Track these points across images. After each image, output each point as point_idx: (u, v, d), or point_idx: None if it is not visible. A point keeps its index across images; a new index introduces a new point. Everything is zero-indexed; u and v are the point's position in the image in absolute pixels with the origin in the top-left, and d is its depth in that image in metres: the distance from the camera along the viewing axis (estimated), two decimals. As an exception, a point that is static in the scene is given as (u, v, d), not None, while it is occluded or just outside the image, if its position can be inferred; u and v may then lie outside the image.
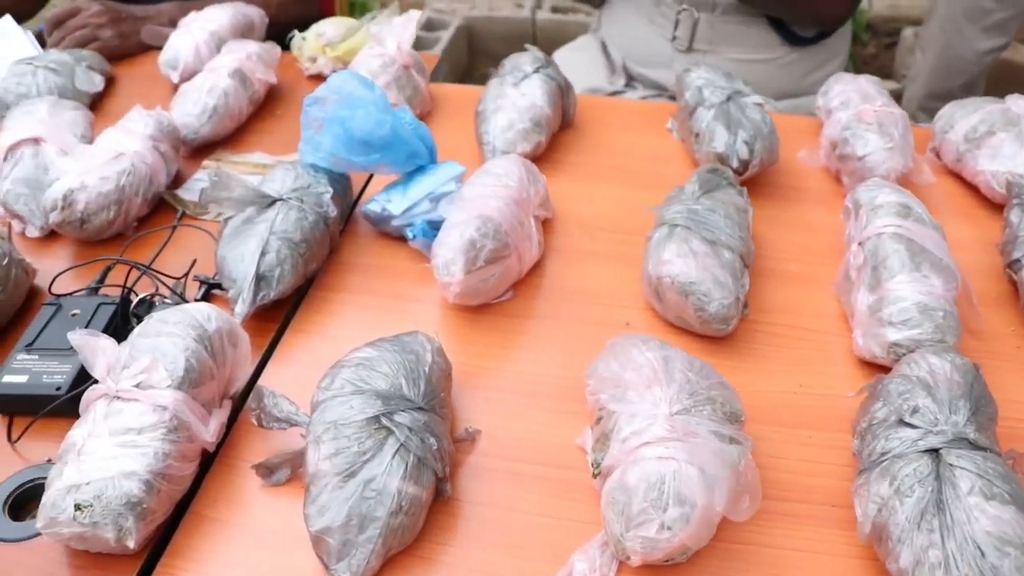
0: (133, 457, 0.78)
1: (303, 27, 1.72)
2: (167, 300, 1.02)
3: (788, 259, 1.15)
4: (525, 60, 1.33)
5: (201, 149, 1.33)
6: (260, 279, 0.99)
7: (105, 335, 0.84)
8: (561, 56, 1.95)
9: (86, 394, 0.84)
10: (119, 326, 1.00)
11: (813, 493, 0.86)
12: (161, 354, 0.83)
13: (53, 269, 1.11)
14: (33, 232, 1.17)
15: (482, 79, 2.90)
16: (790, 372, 0.99)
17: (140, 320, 0.99)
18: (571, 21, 3.06)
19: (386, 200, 1.11)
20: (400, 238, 1.14)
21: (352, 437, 0.79)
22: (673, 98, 1.71)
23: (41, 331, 0.98)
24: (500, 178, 1.08)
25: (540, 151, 1.26)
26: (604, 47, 1.89)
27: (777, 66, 1.72)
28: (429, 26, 3.10)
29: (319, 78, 1.50)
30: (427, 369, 0.87)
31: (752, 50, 1.69)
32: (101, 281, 1.06)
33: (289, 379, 0.95)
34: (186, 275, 1.06)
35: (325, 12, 1.97)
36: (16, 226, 1.19)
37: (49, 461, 0.89)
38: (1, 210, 1.20)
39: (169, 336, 0.85)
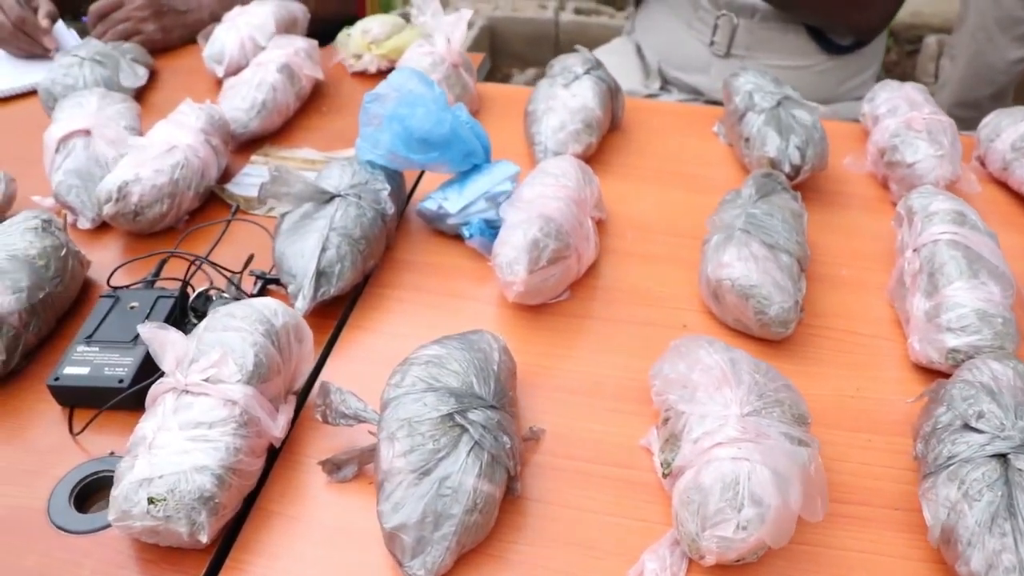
0: (204, 451, 0.78)
1: (340, 24, 1.73)
2: (224, 294, 1.02)
3: (838, 264, 1.15)
4: (575, 61, 1.33)
5: (248, 144, 1.33)
6: (320, 275, 0.99)
7: (174, 328, 0.84)
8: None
9: (153, 388, 0.83)
10: (177, 320, 0.99)
11: (876, 496, 0.86)
12: (230, 349, 0.83)
13: (103, 260, 1.11)
14: (84, 223, 1.17)
15: (504, 79, 2.90)
16: (846, 376, 0.99)
17: (198, 314, 1.00)
18: (594, 23, 3.06)
19: (442, 198, 1.11)
20: (455, 236, 1.14)
21: (427, 434, 0.78)
22: (710, 102, 1.72)
23: (100, 323, 0.98)
24: (558, 178, 1.08)
25: (591, 152, 1.26)
26: (639, 50, 1.89)
27: (813, 73, 1.72)
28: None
29: (364, 75, 1.50)
30: (496, 367, 0.87)
31: (789, 56, 1.69)
32: (157, 274, 1.06)
33: (349, 375, 0.95)
34: (244, 269, 1.05)
35: (358, 10, 1.98)
36: (67, 217, 1.19)
37: (112, 454, 0.89)
38: (52, 200, 1.20)
39: (237, 331, 0.85)
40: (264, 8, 1.51)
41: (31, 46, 1.57)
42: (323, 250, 1.00)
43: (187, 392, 0.81)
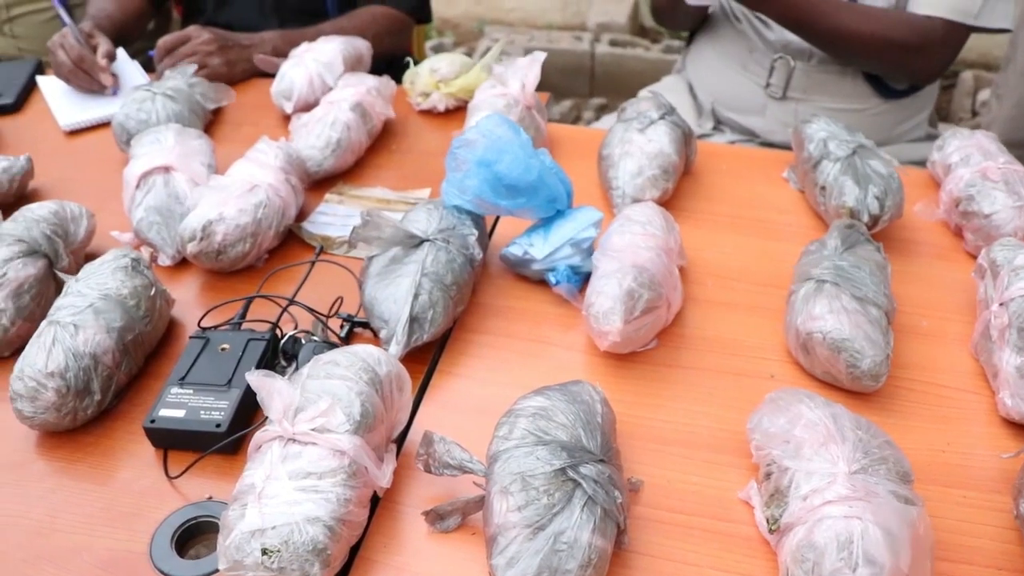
0: (316, 502, 0.77)
1: (393, 61, 1.74)
2: (315, 337, 1.01)
3: (917, 315, 1.14)
4: (649, 106, 1.33)
5: (321, 182, 1.33)
6: (413, 321, 0.99)
7: (280, 376, 0.83)
8: (646, 96, 1.95)
9: (257, 435, 0.83)
10: (268, 362, 0.99)
11: (977, 555, 0.85)
12: (336, 398, 0.82)
13: (184, 298, 1.11)
14: (165, 261, 1.17)
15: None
16: (935, 430, 0.98)
17: (287, 356, 0.99)
18: (629, 55, 3.07)
19: (528, 244, 1.11)
20: (538, 281, 1.13)
21: (540, 489, 0.78)
22: (765, 144, 1.72)
23: (192, 365, 0.97)
24: (645, 226, 1.08)
25: (667, 198, 1.26)
26: (691, 89, 1.89)
27: (868, 116, 1.72)
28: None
29: (431, 113, 1.50)
30: (599, 419, 0.86)
31: (845, 100, 1.69)
32: (243, 315, 1.05)
33: (443, 422, 0.95)
34: (333, 313, 1.05)
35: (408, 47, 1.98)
36: (145, 252, 1.19)
37: (210, 498, 0.88)
38: (130, 236, 1.19)
39: (342, 379, 0.85)
40: (331, 45, 1.52)
41: (90, 83, 1.58)
42: (416, 296, 0.99)
43: (294, 441, 0.80)
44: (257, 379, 0.82)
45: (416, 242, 1.04)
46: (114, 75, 1.60)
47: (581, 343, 1.06)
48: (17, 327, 1.05)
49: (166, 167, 1.21)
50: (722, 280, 1.17)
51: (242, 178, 1.15)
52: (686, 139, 1.31)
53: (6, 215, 1.15)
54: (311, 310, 1.02)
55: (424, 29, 2.21)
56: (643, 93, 1.96)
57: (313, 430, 0.80)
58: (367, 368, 0.86)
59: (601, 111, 3.08)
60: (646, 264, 1.02)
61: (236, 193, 1.13)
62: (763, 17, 1.66)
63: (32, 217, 1.12)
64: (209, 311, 1.02)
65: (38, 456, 0.94)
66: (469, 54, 3.12)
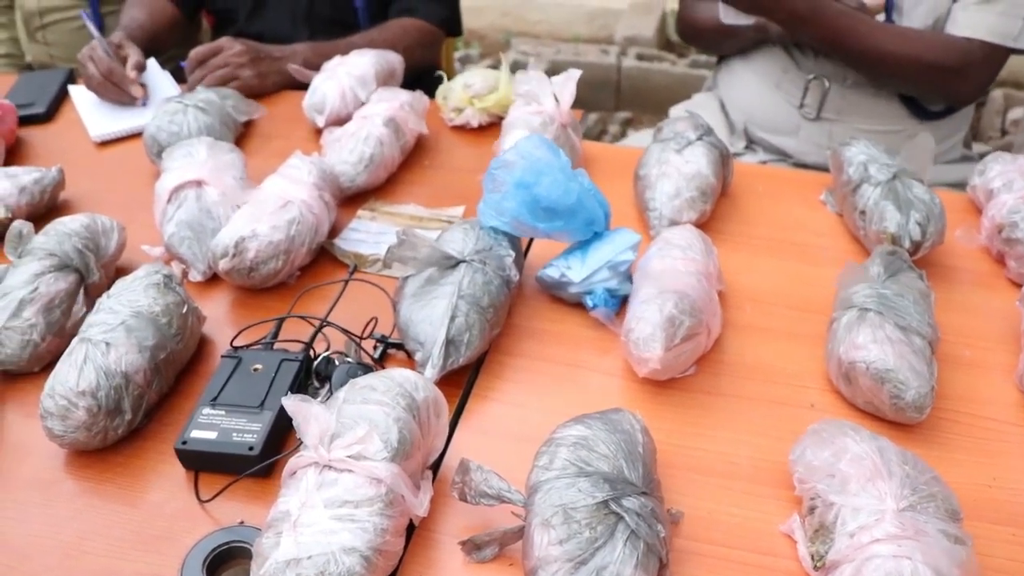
0: (352, 532, 0.75)
1: (424, 74, 1.73)
2: (348, 359, 1.00)
3: (959, 344, 1.11)
4: (686, 126, 1.31)
5: (353, 197, 1.31)
6: (449, 343, 0.97)
7: (315, 401, 0.82)
8: (676, 114, 1.93)
9: (292, 460, 0.81)
10: (301, 383, 0.97)
11: (1028, 597, 0.83)
12: (373, 424, 0.81)
13: (214, 314, 1.10)
14: (196, 276, 1.16)
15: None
16: (980, 464, 0.96)
17: (321, 378, 0.97)
18: (656, 69, 3.05)
19: (565, 267, 1.09)
20: (574, 304, 1.11)
21: (583, 522, 0.76)
22: (798, 165, 1.70)
23: (224, 385, 0.95)
24: (685, 250, 1.06)
25: (704, 220, 1.24)
26: (723, 107, 1.87)
27: (903, 138, 1.69)
28: (515, 68, 3.08)
29: (463, 129, 1.48)
30: (641, 450, 0.84)
31: (880, 121, 1.67)
32: (276, 335, 1.04)
33: (479, 448, 0.93)
34: (368, 334, 1.03)
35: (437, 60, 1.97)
36: (176, 267, 1.17)
37: (242, 523, 0.86)
38: (161, 250, 1.18)
39: (379, 404, 0.83)
40: (364, 59, 1.51)
41: (119, 95, 1.57)
42: (452, 318, 0.98)
43: (330, 468, 0.79)
44: (293, 404, 0.81)
45: (452, 263, 1.02)
46: (143, 86, 1.59)
47: (618, 368, 1.04)
48: (47, 342, 1.03)
49: (198, 181, 1.19)
50: (760, 305, 1.15)
51: (275, 194, 1.14)
52: (723, 160, 1.29)
53: (37, 227, 1.15)
54: (345, 331, 1.00)
55: (453, 41, 2.20)
56: (675, 111, 1.95)
57: (350, 457, 0.79)
58: (404, 393, 0.85)
59: (627, 125, 3.06)
60: (687, 290, 1.00)
61: (269, 209, 1.12)
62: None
63: (63, 231, 1.10)
64: (242, 331, 1.01)
65: (67, 475, 0.93)
66: (495, 66, 3.10)
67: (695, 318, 0.99)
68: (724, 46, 1.86)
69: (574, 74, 1.31)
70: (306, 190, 1.15)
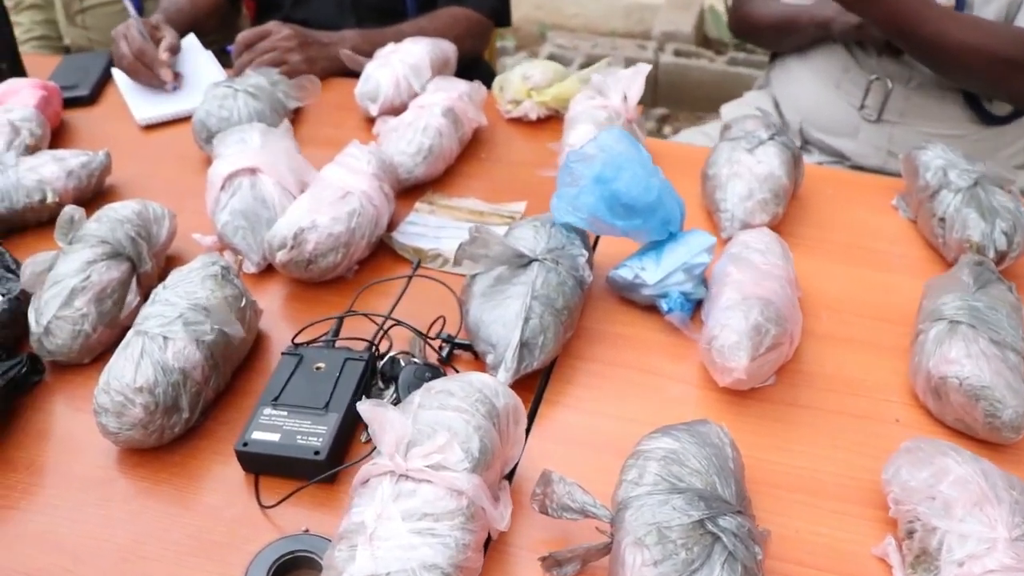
0: (432, 547, 0.71)
1: (471, 65, 1.68)
2: (415, 359, 0.95)
3: (1044, 360, 1.06)
4: (756, 124, 1.26)
5: (409, 190, 1.27)
6: (523, 346, 0.92)
7: (392, 407, 0.77)
8: (728, 111, 1.88)
9: (365, 468, 0.76)
10: (366, 384, 0.93)
11: None
12: (453, 432, 0.76)
13: (269, 307, 1.06)
14: (249, 268, 1.11)
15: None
16: (1078, 490, 0.90)
17: (386, 379, 0.93)
18: (694, 65, 2.99)
19: (639, 268, 1.04)
20: (645, 307, 1.06)
21: (678, 543, 0.71)
22: (856, 167, 1.65)
23: (285, 384, 0.91)
24: (765, 255, 1.01)
25: (776, 222, 1.18)
26: (777, 106, 1.82)
27: (968, 143, 1.63)
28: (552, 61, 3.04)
29: (520, 121, 1.43)
30: (732, 465, 0.80)
31: (943, 125, 1.61)
32: (337, 332, 0.99)
33: (553, 456, 0.89)
34: (437, 334, 0.99)
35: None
36: (228, 257, 1.13)
37: (307, 531, 0.82)
38: (212, 239, 1.14)
39: (457, 411, 0.78)
40: (418, 47, 1.46)
41: (150, 77, 1.52)
42: (526, 320, 0.93)
43: (407, 478, 0.74)
44: (368, 409, 0.76)
45: (524, 262, 0.98)
46: (178, 74, 1.55)
47: (693, 375, 1.00)
48: (99, 333, 0.99)
49: (252, 168, 1.15)
50: (837, 313, 1.10)
51: (334, 184, 1.09)
52: (795, 161, 1.24)
53: (85, 212, 1.10)
54: (416, 331, 0.96)
55: (496, 33, 2.15)
56: (727, 109, 1.89)
57: (429, 467, 0.74)
58: (484, 399, 0.80)
59: (663, 122, 3.01)
60: (771, 296, 0.95)
61: (329, 200, 1.07)
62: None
63: (116, 217, 1.06)
64: (303, 329, 0.96)
65: (120, 473, 0.89)
66: (532, 59, 3.05)
67: (780, 326, 0.94)
68: (782, 43, 1.81)
69: (643, 69, 1.26)
70: (366, 181, 1.10)
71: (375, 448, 0.77)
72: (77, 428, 0.93)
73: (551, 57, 3.06)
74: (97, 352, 1.00)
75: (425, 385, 0.82)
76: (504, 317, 0.94)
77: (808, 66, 1.72)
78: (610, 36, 3.31)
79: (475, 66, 1.69)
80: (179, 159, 1.38)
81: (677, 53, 3.09)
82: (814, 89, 1.70)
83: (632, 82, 1.26)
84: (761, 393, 0.98)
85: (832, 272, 1.16)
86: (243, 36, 1.53)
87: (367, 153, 1.15)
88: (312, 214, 1.05)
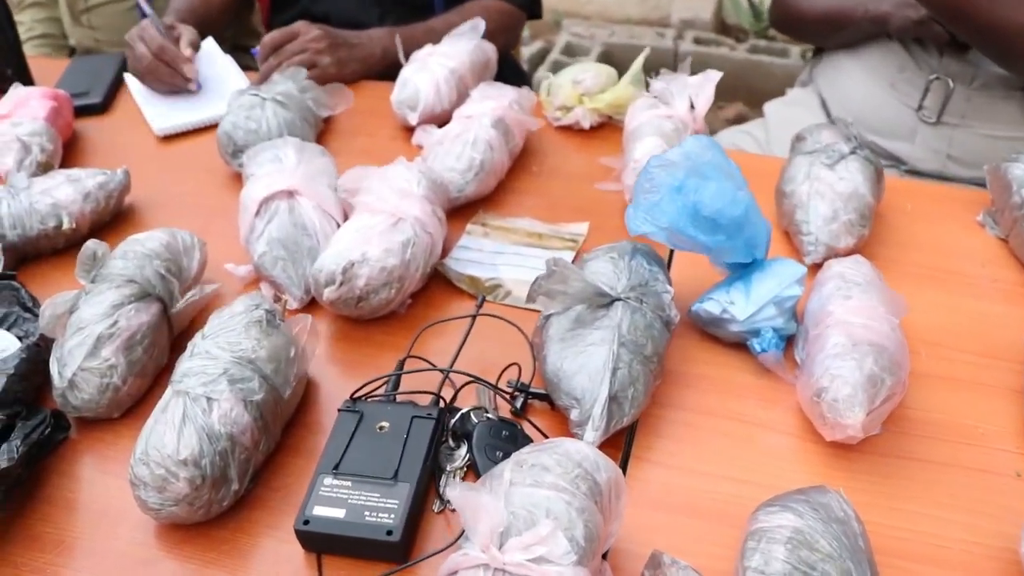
0: (537, 655, 0.61)
1: (499, 61, 1.56)
2: (488, 414, 0.85)
3: None
4: (834, 136, 1.15)
5: (459, 209, 1.16)
6: (611, 400, 0.82)
7: (485, 491, 0.67)
8: (772, 110, 1.78)
9: (454, 559, 0.67)
10: (435, 444, 0.83)
11: None
12: (553, 515, 0.66)
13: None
14: (291, 304, 1.00)
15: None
16: None
17: (456, 436, 0.83)
18: (715, 54, 2.88)
19: (728, 301, 0.94)
20: (730, 344, 0.97)
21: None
22: (911, 172, 1.55)
23: (346, 448, 0.80)
24: (867, 291, 0.91)
25: (861, 246, 1.08)
26: (823, 105, 1.71)
27: (1031, 146, 1.53)
28: (569, 51, 2.93)
29: (570, 130, 1.32)
30: (862, 544, 0.71)
31: (1006, 127, 1.51)
32: (396, 386, 0.89)
33: (652, 525, 0.79)
34: (515, 384, 0.89)
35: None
36: (265, 290, 1.02)
37: (380, 625, 0.72)
38: (247, 268, 1.03)
39: (555, 490, 0.68)
40: (458, 48, 1.34)
41: (171, 77, 1.41)
42: (614, 370, 0.83)
43: (504, 572, 0.64)
44: (461, 495, 0.66)
45: (606, 301, 0.87)
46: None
47: (787, 424, 0.90)
48: (129, 385, 0.89)
49: (290, 191, 1.04)
50: (936, 348, 1.00)
51: (383, 209, 0.99)
52: (877, 177, 1.14)
53: (101, 236, 1.01)
54: (491, 385, 0.86)
55: (521, 25, 2.02)
56: (770, 107, 1.79)
57: (530, 561, 0.64)
58: (584, 475, 0.70)
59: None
60: (884, 342, 0.85)
61: (379, 229, 0.97)
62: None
63: (143, 251, 0.95)
64: (366, 385, 0.86)
65: (163, 552, 0.79)
66: (548, 48, 2.94)
67: (895, 375, 0.84)
68: (831, 38, 1.70)
69: (713, 76, 1.15)
70: (418, 205, 1.00)
71: (462, 533, 0.67)
72: (109, 496, 0.83)
73: (567, 46, 2.95)
74: (127, 406, 0.90)
75: (515, 457, 0.72)
76: (588, 367, 0.84)
77: (860, 64, 1.61)
78: (626, 23, 3.19)
79: (503, 63, 1.57)
80: (203, 174, 1.27)
81: (697, 41, 2.98)
82: (867, 89, 1.60)
83: (700, 89, 1.15)
84: (866, 444, 0.88)
85: (923, 300, 1.06)
86: (270, 38, 1.41)
87: (416, 172, 1.04)
88: (362, 245, 0.95)
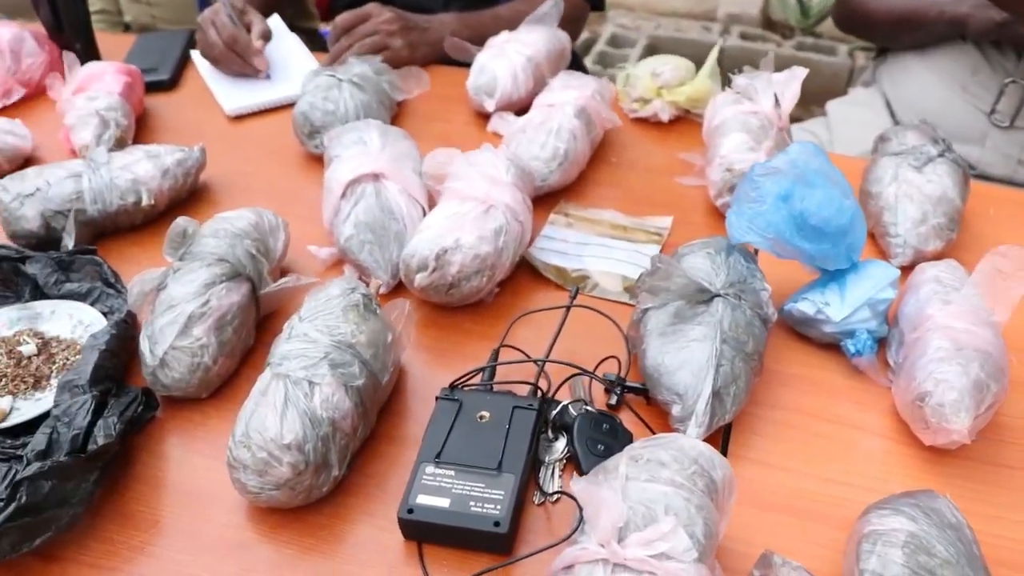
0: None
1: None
2: (587, 406, 0.84)
3: None
4: (920, 138, 1.13)
5: (540, 198, 1.14)
6: (714, 396, 0.81)
7: (607, 486, 0.66)
8: (835, 109, 1.76)
9: (569, 552, 0.66)
10: (537, 437, 0.82)
11: None
12: (673, 512, 0.65)
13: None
14: (376, 288, 0.99)
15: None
16: None
17: (555, 429, 0.82)
18: (760, 49, 2.86)
19: (823, 303, 0.92)
20: (823, 345, 0.95)
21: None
22: (981, 177, 1.53)
23: (447, 437, 0.79)
24: (966, 295, 0.89)
25: (948, 250, 1.07)
26: (888, 106, 1.69)
27: (1109, 153, 1.52)
28: (614, 42, 2.91)
29: (646, 123, 1.31)
30: (976, 551, 0.70)
31: (1085, 133, 1.49)
32: (492, 376, 0.88)
33: (756, 525, 0.78)
34: (617, 380, 0.88)
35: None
36: (348, 272, 1.02)
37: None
38: (329, 251, 1.02)
39: (672, 486, 0.67)
40: (534, 37, 1.33)
41: (242, 66, 1.40)
42: (717, 366, 0.81)
43: (625, 568, 0.63)
44: (585, 489, 0.65)
45: (705, 297, 0.86)
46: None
47: (882, 426, 0.89)
48: (219, 365, 0.88)
49: (375, 174, 1.03)
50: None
51: (473, 196, 0.97)
52: (964, 180, 1.12)
53: (178, 212, 1.00)
54: (602, 379, 0.86)
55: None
56: (833, 106, 1.77)
57: (651, 557, 0.63)
58: (701, 472, 0.69)
59: (726, 108, 2.87)
60: (988, 348, 0.84)
61: (472, 216, 0.95)
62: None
63: (232, 231, 0.94)
64: (468, 376, 0.85)
65: (259, 536, 0.78)
66: (593, 39, 2.92)
67: (999, 382, 0.83)
68: (900, 39, 1.67)
69: (799, 72, 1.14)
70: (508, 192, 0.98)
71: (580, 526, 0.67)
72: (198, 477, 0.83)
73: (613, 37, 2.92)
74: (215, 386, 0.90)
75: (627, 452, 0.71)
76: (691, 362, 0.83)
77: (929, 65, 1.59)
78: (672, 16, 3.16)
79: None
80: (275, 154, 1.26)
81: (743, 36, 2.95)
82: (936, 91, 1.58)
83: (787, 87, 1.14)
84: (963, 451, 0.86)
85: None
86: (342, 19, 1.40)
87: (502, 159, 1.03)
88: (455, 232, 0.94)
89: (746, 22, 3.06)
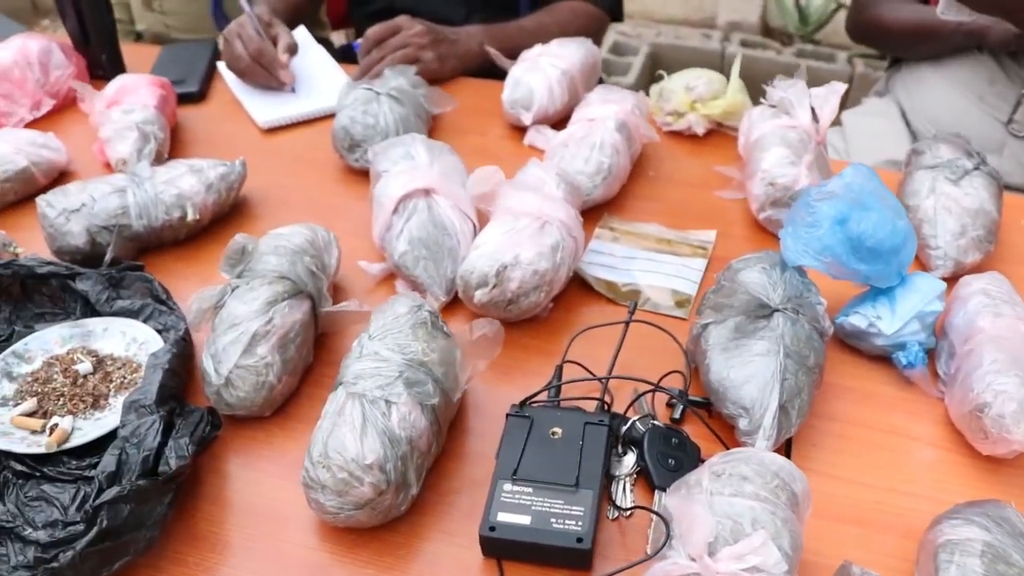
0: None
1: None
2: (654, 421, 0.85)
3: None
4: (954, 151, 1.15)
5: (583, 212, 1.15)
6: (780, 409, 0.82)
7: (698, 500, 0.67)
8: (851, 119, 1.77)
9: (660, 568, 0.67)
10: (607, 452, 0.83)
11: None
12: (760, 526, 0.66)
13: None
14: (432, 304, 0.99)
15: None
16: None
17: (624, 444, 0.83)
18: (762, 57, 2.88)
19: (874, 316, 0.94)
20: (873, 358, 0.97)
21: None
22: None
23: (521, 454, 0.80)
24: (1013, 307, 0.92)
25: (986, 262, 1.09)
26: (903, 115, 1.71)
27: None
28: (616, 50, 2.92)
29: (680, 136, 1.32)
30: (1047, 560, 0.71)
31: (1099, 142, 1.52)
32: (558, 391, 0.89)
33: (826, 536, 0.79)
34: (677, 393, 0.89)
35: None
36: (400, 287, 1.02)
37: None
38: (380, 267, 1.03)
39: (758, 500, 0.69)
40: (568, 50, 1.34)
41: (268, 80, 1.40)
42: (782, 380, 0.83)
43: (717, 582, 0.64)
44: (678, 503, 0.66)
45: (765, 312, 0.87)
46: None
47: (936, 437, 0.90)
48: (283, 384, 0.89)
49: (426, 189, 1.04)
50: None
51: (528, 212, 0.98)
52: (999, 193, 1.14)
53: (219, 228, 1.01)
54: (674, 394, 0.86)
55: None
56: (849, 116, 1.78)
57: (743, 570, 0.64)
58: (783, 485, 0.71)
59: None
60: (1042, 357, 0.86)
61: (528, 232, 0.96)
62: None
63: (291, 247, 0.95)
64: (538, 393, 0.86)
65: (336, 557, 0.78)
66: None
67: (1056, 392, 0.84)
68: (915, 50, 1.69)
69: (838, 87, 1.15)
70: (562, 208, 1.00)
71: (667, 540, 0.68)
72: (267, 497, 0.83)
73: (615, 45, 2.94)
74: (279, 404, 0.90)
75: (708, 467, 0.72)
76: (756, 377, 0.84)
77: (945, 76, 1.61)
78: (671, 24, 3.18)
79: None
80: (311, 167, 1.26)
81: (744, 43, 2.97)
82: (952, 101, 1.60)
83: (825, 101, 1.15)
84: (1017, 460, 0.89)
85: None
86: (373, 31, 1.40)
87: (552, 175, 1.04)
88: (513, 248, 0.95)
89: (746, 29, 3.08)
